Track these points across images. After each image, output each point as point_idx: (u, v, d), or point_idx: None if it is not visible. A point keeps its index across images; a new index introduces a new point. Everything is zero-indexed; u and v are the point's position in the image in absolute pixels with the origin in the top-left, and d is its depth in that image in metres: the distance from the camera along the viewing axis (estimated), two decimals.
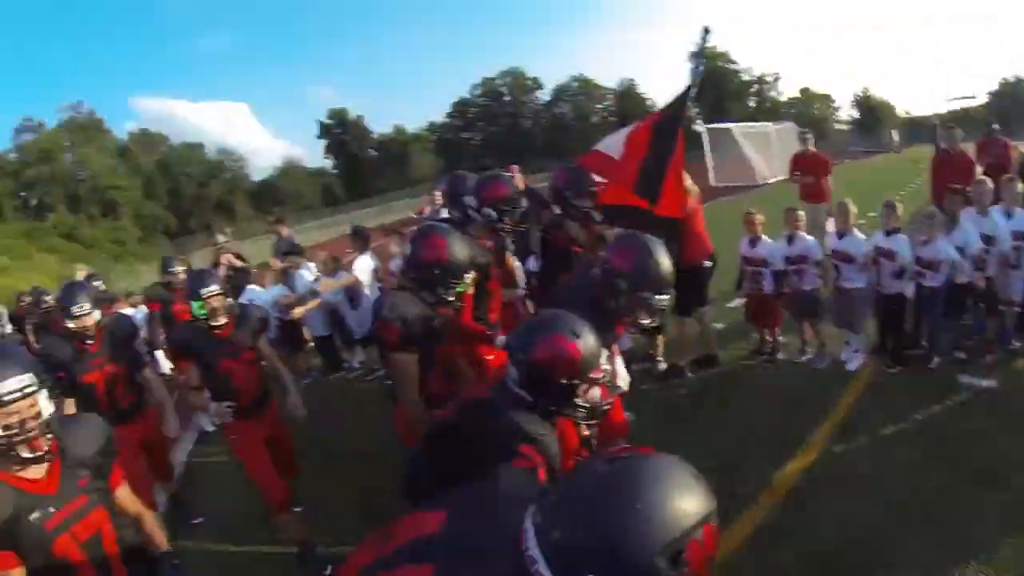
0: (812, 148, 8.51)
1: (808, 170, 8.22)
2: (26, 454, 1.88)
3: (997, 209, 5.26)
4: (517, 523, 1.08)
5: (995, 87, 56.47)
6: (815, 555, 3.11)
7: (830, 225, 7.44)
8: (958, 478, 3.53)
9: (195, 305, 3.45)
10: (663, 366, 5.53)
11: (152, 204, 52.46)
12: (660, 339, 5.45)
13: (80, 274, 8.19)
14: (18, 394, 1.85)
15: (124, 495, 2.30)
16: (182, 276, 5.87)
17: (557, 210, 4.12)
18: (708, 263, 5.24)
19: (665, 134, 4.03)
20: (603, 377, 2.07)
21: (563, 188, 4.08)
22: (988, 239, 5.04)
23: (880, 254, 4.96)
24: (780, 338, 5.47)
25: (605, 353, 2.11)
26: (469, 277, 2.79)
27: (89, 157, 48.56)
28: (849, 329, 5.21)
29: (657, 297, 2.63)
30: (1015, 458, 3.64)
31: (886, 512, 3.35)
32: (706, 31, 4.05)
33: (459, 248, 2.78)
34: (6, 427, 1.83)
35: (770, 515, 3.48)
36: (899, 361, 5.06)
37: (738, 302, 6.31)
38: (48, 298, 7.52)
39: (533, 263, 4.44)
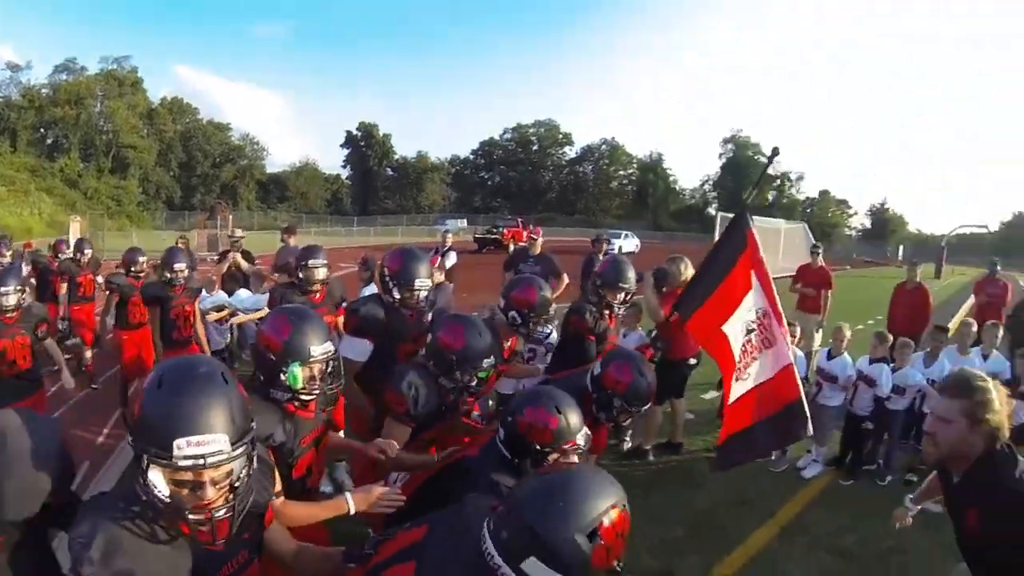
0: (820, 263, 8.59)
1: (811, 283, 8.35)
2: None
3: (976, 351, 5.66)
4: (480, 531, 1.42)
5: (1008, 218, 58.10)
6: None
7: (818, 339, 7.67)
8: None
9: None
10: (628, 444, 5.56)
11: (162, 171, 52.56)
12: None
13: (74, 226, 8.22)
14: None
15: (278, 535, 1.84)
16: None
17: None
18: (693, 360, 5.33)
19: (721, 254, 3.97)
20: (577, 450, 2.27)
21: (598, 276, 4.27)
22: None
23: (861, 379, 5.13)
24: None
25: (585, 431, 2.30)
26: (488, 364, 2.75)
27: (116, 111, 48.81)
28: (815, 441, 5.27)
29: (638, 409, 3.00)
30: None
31: None
32: (775, 152, 4.03)
33: (478, 338, 2.74)
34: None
35: None
36: (854, 475, 5.22)
37: (714, 394, 6.32)
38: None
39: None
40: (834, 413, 5.33)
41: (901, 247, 41.89)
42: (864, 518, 4.47)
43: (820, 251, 8.99)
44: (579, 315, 4.21)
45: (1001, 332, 5.94)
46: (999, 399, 2.13)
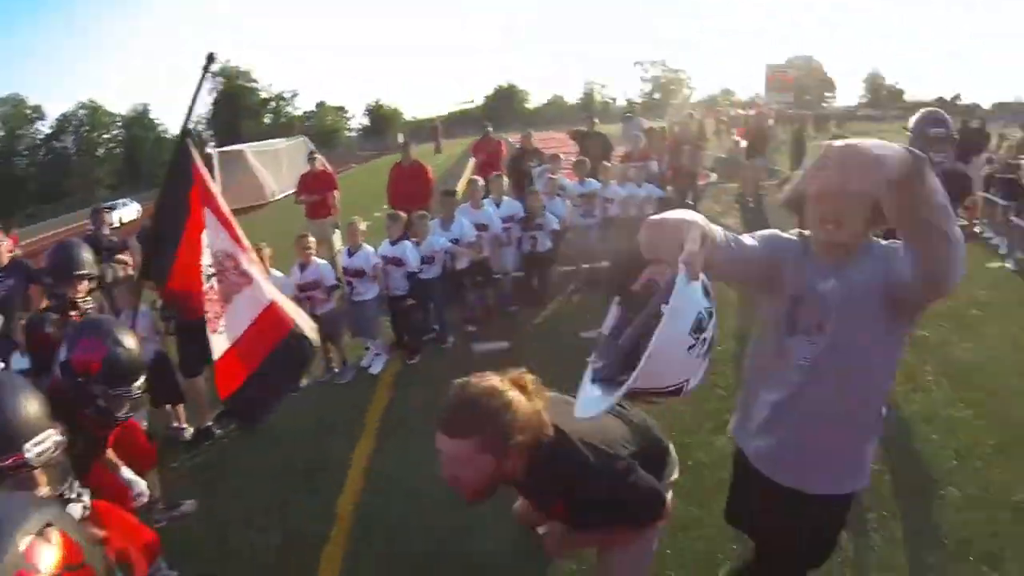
0: (319, 167, 8.74)
1: (314, 189, 8.48)
2: None
3: (488, 200, 6.50)
4: None
5: (490, 92, 68.84)
6: None
7: (337, 241, 7.96)
8: None
9: None
10: (190, 431, 4.85)
11: None
12: (179, 407, 4.84)
13: None
14: None
15: None
16: None
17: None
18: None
19: (170, 199, 3.41)
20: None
21: (47, 274, 3.53)
22: (483, 226, 6.15)
23: (388, 263, 5.52)
24: None
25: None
26: None
27: None
28: (367, 336, 5.63)
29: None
30: None
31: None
32: (210, 58, 3.46)
33: None
34: None
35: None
36: (417, 350, 5.72)
37: None
38: None
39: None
40: (375, 304, 5.63)
41: (400, 135, 46.29)
42: (445, 382, 4.88)
43: (316, 157, 9.08)
44: (36, 329, 3.25)
45: (506, 181, 7.05)
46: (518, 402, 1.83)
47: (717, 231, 1.53)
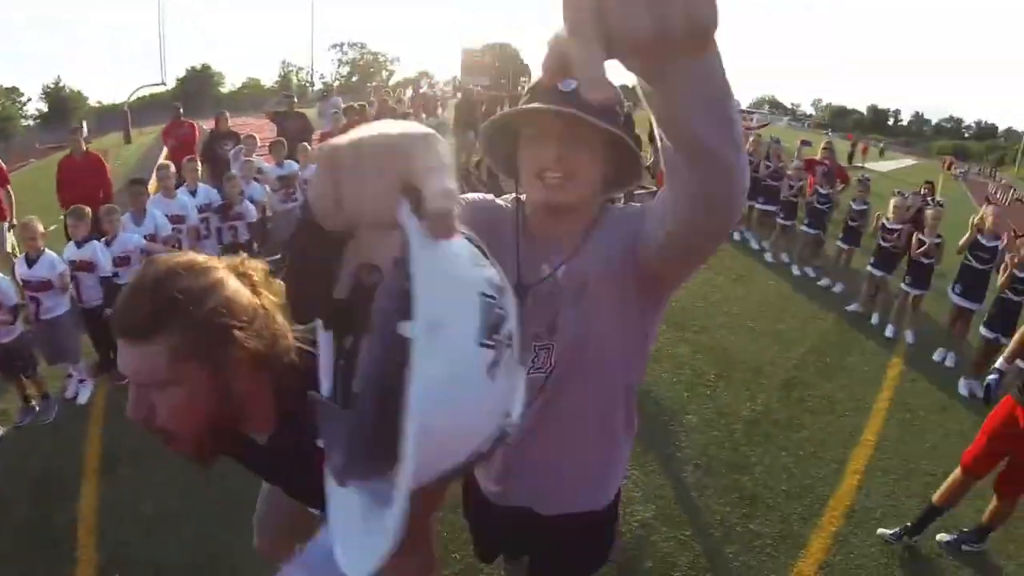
0: None
1: None
2: None
3: (182, 189, 5.72)
4: None
5: (182, 74, 61.47)
6: None
7: (10, 244, 6.50)
8: None
9: None
10: None
11: None
12: None
13: None
14: None
15: None
16: None
17: None
18: None
19: None
20: None
21: None
22: (179, 218, 5.42)
23: (77, 268, 4.50)
24: None
25: None
26: None
27: None
28: (66, 361, 4.57)
29: None
30: None
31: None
32: None
33: None
34: None
35: None
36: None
37: None
38: None
39: None
40: (69, 320, 4.56)
41: (84, 122, 39.96)
42: None
43: None
44: None
45: (200, 167, 6.23)
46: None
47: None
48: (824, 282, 7.13)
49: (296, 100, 10.12)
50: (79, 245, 4.56)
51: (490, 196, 1.42)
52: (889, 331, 5.81)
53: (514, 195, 1.37)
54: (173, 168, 5.79)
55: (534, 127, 1.23)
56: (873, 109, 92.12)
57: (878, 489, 3.63)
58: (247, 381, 1.09)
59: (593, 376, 1.37)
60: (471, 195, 1.40)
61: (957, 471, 3.03)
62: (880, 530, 3.25)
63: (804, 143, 10.97)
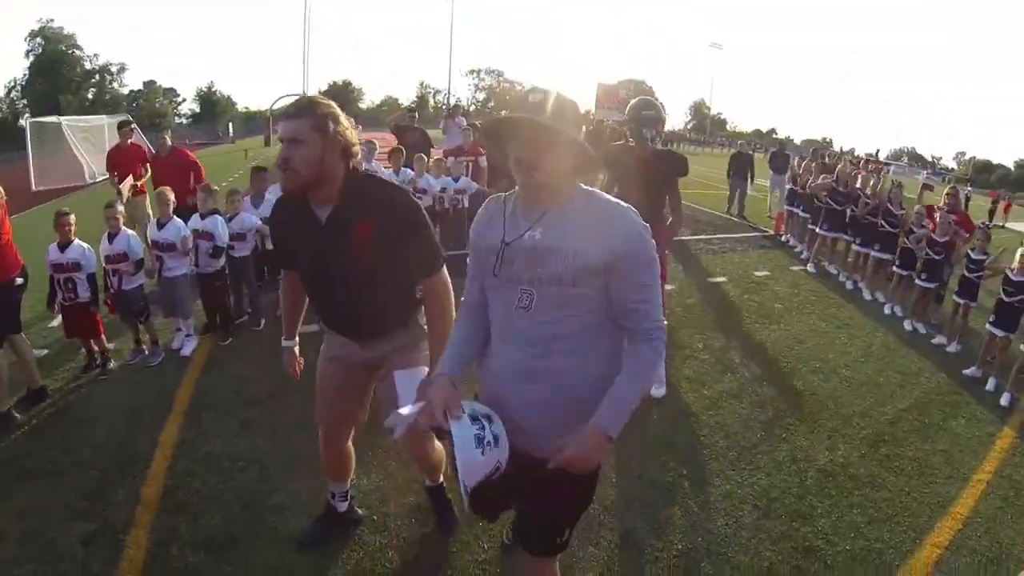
0: (130, 141, 7.79)
1: (122, 165, 7.50)
2: None
3: None
4: None
5: (324, 87, 65.86)
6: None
7: (151, 211, 7.17)
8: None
9: None
10: None
11: None
12: None
13: None
14: None
15: None
16: None
17: None
18: (20, 280, 4.19)
19: None
20: None
21: None
22: None
23: (199, 236, 4.99)
24: (109, 345, 4.87)
25: None
26: None
27: None
28: (178, 316, 5.07)
29: None
30: None
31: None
32: None
33: None
34: None
35: None
36: (230, 333, 5.26)
37: (59, 321, 5.20)
38: None
39: None
40: (186, 282, 5.09)
41: (230, 124, 43.64)
42: (256, 367, 4.73)
43: (131, 128, 8.16)
44: None
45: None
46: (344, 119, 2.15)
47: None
48: (938, 340, 6.56)
49: (417, 116, 10.63)
50: (203, 217, 5.03)
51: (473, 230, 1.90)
52: (1005, 399, 5.23)
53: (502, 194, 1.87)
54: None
55: (511, 130, 1.66)
56: (1021, 165, 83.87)
57: (961, 569, 3.21)
58: (334, 160, 2.13)
59: (567, 313, 1.70)
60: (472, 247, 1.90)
61: None
62: None
63: (926, 187, 10.13)
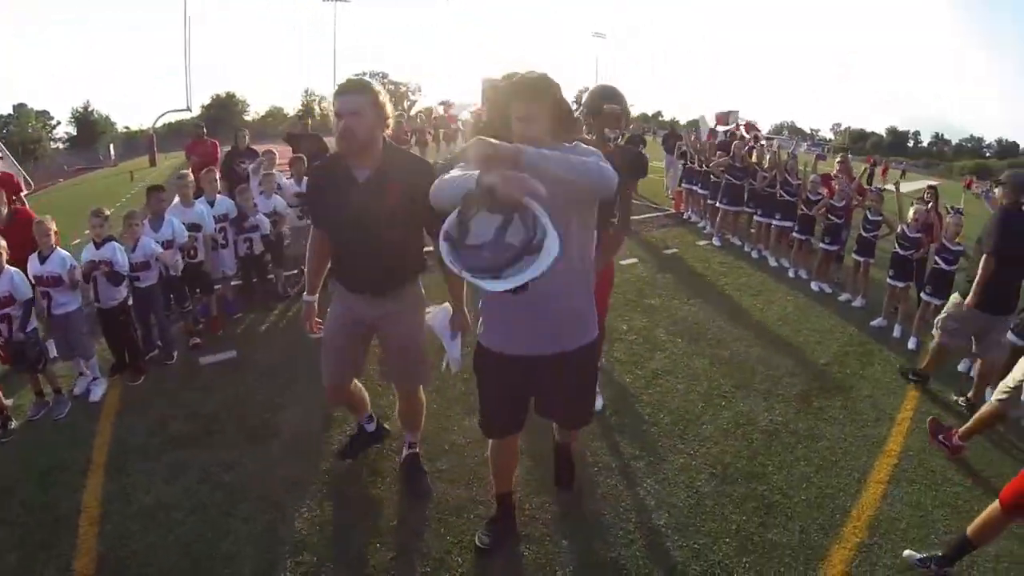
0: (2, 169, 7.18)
1: None
2: None
3: (201, 200, 5.81)
4: None
5: (207, 101, 62.34)
6: None
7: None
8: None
9: None
10: None
11: None
12: None
13: None
14: None
15: None
16: None
17: None
18: None
19: None
20: None
21: None
22: (196, 226, 5.49)
23: (94, 268, 4.51)
24: (7, 402, 4.30)
25: None
26: None
27: None
28: (78, 357, 4.58)
29: None
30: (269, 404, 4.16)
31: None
32: None
33: None
34: None
35: None
36: (142, 371, 4.83)
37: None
38: None
39: None
40: (81, 317, 4.58)
41: (111, 146, 40.74)
42: (173, 398, 4.39)
43: (2, 154, 7.57)
44: None
45: (219, 179, 6.34)
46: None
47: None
48: (844, 297, 6.98)
49: (311, 122, 10.49)
50: (98, 246, 4.58)
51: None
52: (912, 343, 5.64)
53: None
54: (192, 177, 5.85)
55: (516, 93, 2.22)
56: (893, 131, 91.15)
57: (903, 499, 3.46)
58: (379, 130, 2.62)
59: (573, 238, 2.18)
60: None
61: (996, 507, 2.77)
62: (907, 552, 3.05)
63: (819, 157, 10.76)
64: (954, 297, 4.73)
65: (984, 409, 3.87)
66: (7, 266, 4.20)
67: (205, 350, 5.20)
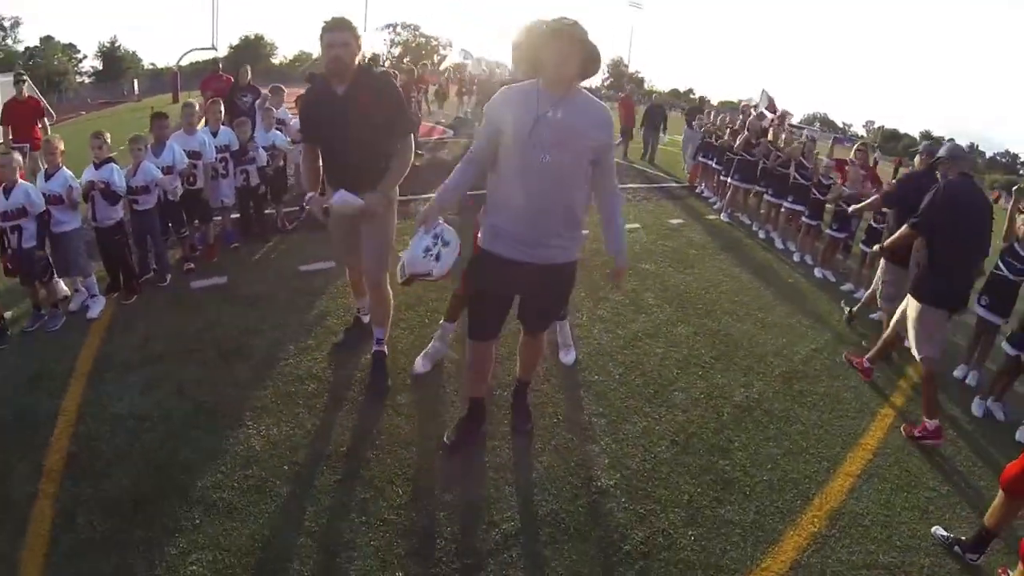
0: (26, 94, 7.56)
1: (18, 119, 7.26)
2: None
3: (205, 129, 5.87)
4: None
5: (235, 41, 62.08)
6: None
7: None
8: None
9: None
10: None
11: None
12: None
13: None
14: None
15: None
16: None
17: None
18: None
19: None
20: None
21: None
22: (196, 154, 5.55)
23: (93, 188, 4.57)
24: (7, 313, 4.45)
25: None
26: None
27: None
28: (74, 275, 4.68)
29: None
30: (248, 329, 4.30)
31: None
32: None
33: None
34: None
35: None
36: (135, 291, 4.93)
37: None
38: None
39: None
40: (79, 236, 4.67)
41: (136, 82, 40.72)
42: (168, 318, 4.53)
43: (23, 80, 7.72)
44: None
45: (223, 111, 6.37)
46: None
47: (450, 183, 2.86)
48: (848, 286, 6.86)
49: None
50: (97, 167, 4.63)
51: (488, 109, 2.86)
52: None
53: (533, 79, 2.73)
54: (197, 106, 5.89)
55: (554, 35, 2.56)
56: (927, 135, 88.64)
57: (872, 496, 3.36)
58: (356, 57, 3.30)
59: (569, 169, 2.69)
60: (486, 118, 2.85)
61: (1000, 497, 2.84)
62: (935, 528, 3.09)
63: (837, 140, 10.48)
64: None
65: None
66: (20, 180, 4.29)
67: (198, 275, 5.32)
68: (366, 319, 4.23)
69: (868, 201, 5.50)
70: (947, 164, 4.32)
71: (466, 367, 3.39)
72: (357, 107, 3.29)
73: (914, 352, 4.14)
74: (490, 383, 3.48)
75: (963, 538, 2.98)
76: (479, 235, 3.01)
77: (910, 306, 4.19)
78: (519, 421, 3.49)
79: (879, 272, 5.37)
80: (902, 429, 4.06)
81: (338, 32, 3.23)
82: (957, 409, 4.55)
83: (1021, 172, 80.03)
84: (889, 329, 4.55)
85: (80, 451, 3.11)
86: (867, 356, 4.77)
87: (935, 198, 4.03)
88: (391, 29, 74.26)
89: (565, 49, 2.53)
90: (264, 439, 3.21)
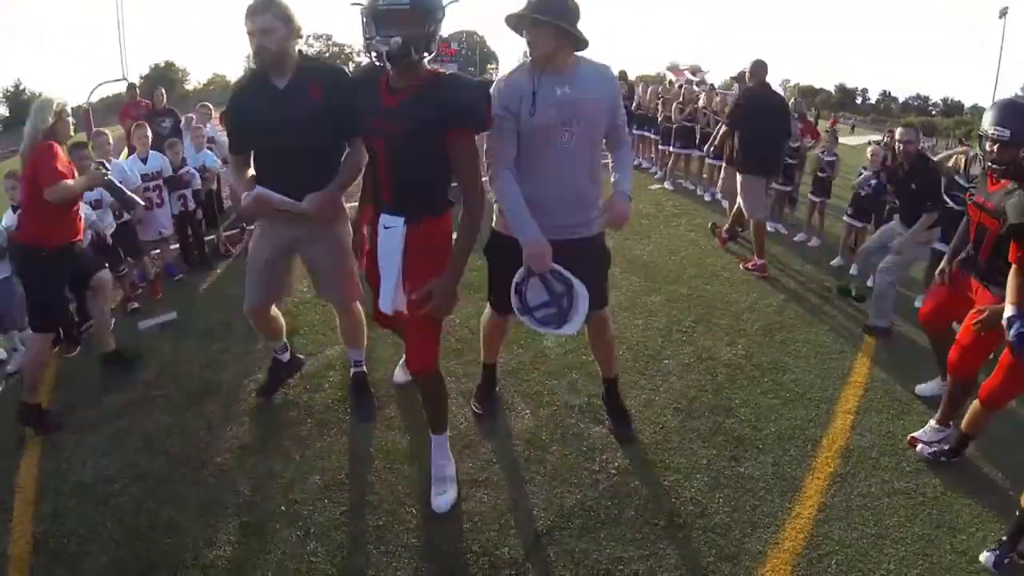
0: None
1: None
2: None
3: (133, 158, 5.64)
4: None
5: (146, 71, 59.14)
6: None
7: None
8: None
9: None
10: None
11: None
12: None
13: None
14: None
15: None
16: None
17: None
18: None
19: None
20: None
21: None
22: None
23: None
24: None
25: None
26: None
27: None
28: (13, 328, 4.30)
29: None
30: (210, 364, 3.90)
31: None
32: None
33: None
34: None
35: None
36: (77, 342, 4.50)
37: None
38: None
39: None
40: (10, 287, 4.25)
41: None
42: None
43: None
44: None
45: (149, 134, 5.92)
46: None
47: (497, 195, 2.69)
48: (800, 237, 6.99)
49: None
50: (15, 210, 4.24)
51: (496, 95, 2.59)
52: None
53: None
54: (108, 135, 5.50)
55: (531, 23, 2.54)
56: (841, 88, 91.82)
57: (872, 429, 3.42)
58: (292, 41, 2.77)
59: (587, 144, 2.72)
60: (495, 107, 2.54)
61: (976, 405, 2.92)
62: (920, 447, 3.19)
63: None
64: None
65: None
66: None
67: (144, 314, 4.94)
68: (284, 357, 3.62)
69: (719, 129, 6.67)
70: (750, 76, 5.83)
71: (483, 336, 3.31)
72: (305, 99, 2.73)
73: (747, 215, 5.79)
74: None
75: (946, 447, 3.13)
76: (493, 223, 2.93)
77: (739, 182, 5.78)
78: (619, 426, 3.27)
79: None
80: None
81: (258, 16, 2.65)
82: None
83: (933, 112, 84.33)
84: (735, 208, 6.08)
85: (47, 532, 2.73)
86: (724, 227, 6.43)
87: (738, 100, 5.95)
88: (302, 41, 72.79)
89: (531, 32, 2.54)
90: (252, 480, 2.95)
